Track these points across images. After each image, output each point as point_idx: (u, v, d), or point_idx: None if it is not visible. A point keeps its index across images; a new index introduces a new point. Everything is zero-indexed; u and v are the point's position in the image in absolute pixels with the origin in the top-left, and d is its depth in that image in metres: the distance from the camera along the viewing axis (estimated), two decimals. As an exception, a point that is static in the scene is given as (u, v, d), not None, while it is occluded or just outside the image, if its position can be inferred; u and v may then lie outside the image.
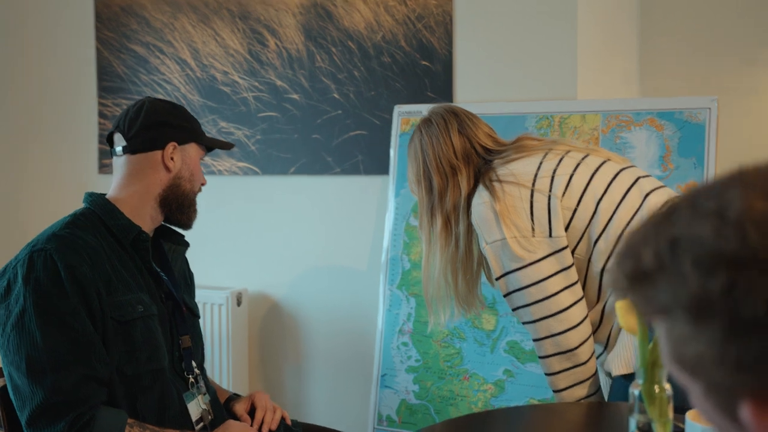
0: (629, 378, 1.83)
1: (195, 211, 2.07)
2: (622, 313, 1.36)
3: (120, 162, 1.97)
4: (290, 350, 3.36)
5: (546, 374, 1.94)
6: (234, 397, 2.20)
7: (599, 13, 3.10)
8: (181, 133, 1.99)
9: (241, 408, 2.14)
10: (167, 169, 1.96)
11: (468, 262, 2.03)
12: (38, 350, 1.70)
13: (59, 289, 1.73)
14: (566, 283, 1.86)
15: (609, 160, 2.01)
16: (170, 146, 1.95)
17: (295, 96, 3.29)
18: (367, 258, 3.21)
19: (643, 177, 1.99)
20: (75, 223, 1.87)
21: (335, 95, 3.22)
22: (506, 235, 1.86)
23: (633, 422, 1.32)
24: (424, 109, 2.94)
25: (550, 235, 1.87)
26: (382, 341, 3.01)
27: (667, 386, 1.30)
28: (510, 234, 1.86)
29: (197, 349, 2.08)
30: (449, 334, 2.92)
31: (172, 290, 2.01)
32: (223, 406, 2.12)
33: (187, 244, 2.13)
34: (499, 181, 1.93)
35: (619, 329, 1.92)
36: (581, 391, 1.90)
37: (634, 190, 1.93)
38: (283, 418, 2.14)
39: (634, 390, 1.32)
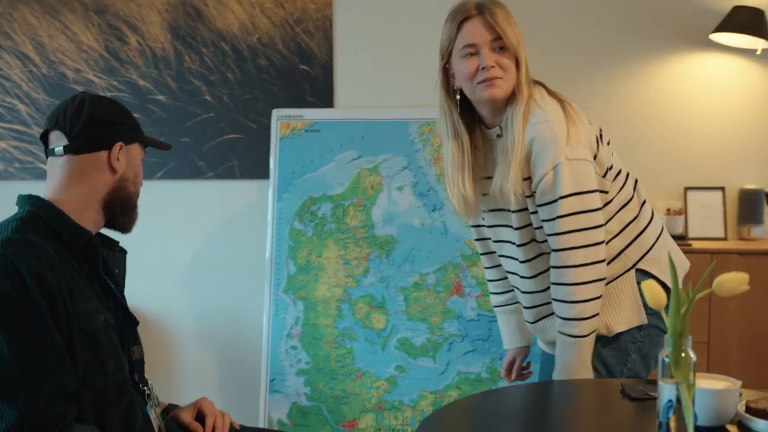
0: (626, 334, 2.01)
1: (137, 214, 1.97)
2: (650, 289, 1.49)
3: (59, 162, 1.82)
4: (172, 362, 3.22)
5: (575, 283, 1.94)
6: (172, 407, 2.11)
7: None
8: (128, 132, 1.88)
9: (187, 416, 2.06)
10: (113, 170, 1.84)
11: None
12: (6, 365, 1.56)
13: (25, 298, 1.59)
14: (605, 219, 1.97)
15: None
16: (117, 146, 1.84)
17: (160, 97, 3.17)
18: (247, 263, 3.16)
19: None
20: (25, 227, 1.72)
21: (207, 97, 3.15)
22: (586, 157, 1.92)
23: (669, 388, 1.45)
24: (304, 113, 2.99)
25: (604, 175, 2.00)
26: (269, 346, 2.98)
27: (692, 353, 1.46)
28: (588, 157, 1.92)
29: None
30: (339, 335, 2.96)
31: (120, 299, 1.90)
32: (164, 417, 2.03)
33: (124, 251, 2.02)
34: (569, 104, 1.97)
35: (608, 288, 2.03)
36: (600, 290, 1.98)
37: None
38: (231, 423, 2.09)
39: (663, 357, 1.46)
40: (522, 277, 2.08)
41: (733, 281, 1.47)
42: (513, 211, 1.99)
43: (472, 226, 2.27)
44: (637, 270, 2.02)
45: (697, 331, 3.54)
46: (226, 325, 3.19)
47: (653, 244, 2.05)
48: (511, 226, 2.03)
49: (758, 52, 3.60)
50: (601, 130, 2.04)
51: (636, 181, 2.11)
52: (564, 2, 3.76)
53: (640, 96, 3.77)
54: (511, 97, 1.96)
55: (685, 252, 3.50)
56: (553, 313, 2.03)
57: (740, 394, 1.65)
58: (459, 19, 1.99)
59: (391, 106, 3.04)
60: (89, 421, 1.67)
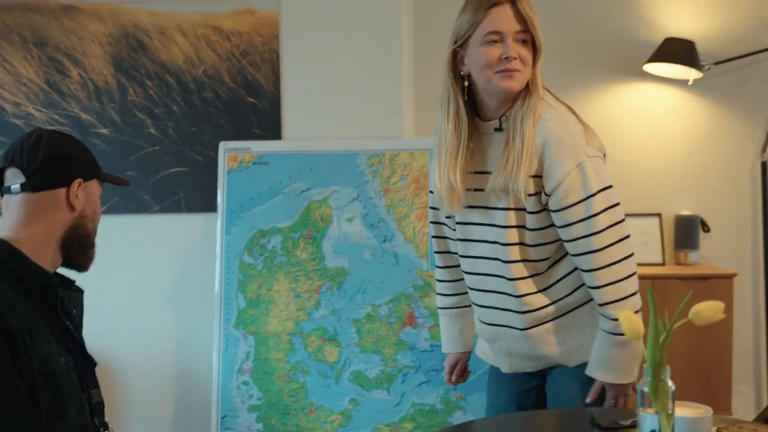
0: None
1: (94, 252, 1.92)
2: (628, 320, 1.51)
3: (16, 200, 1.77)
4: (119, 400, 3.13)
5: (620, 279, 1.92)
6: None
7: (412, 55, 3.33)
8: (86, 168, 1.84)
9: None
10: (71, 207, 1.80)
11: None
12: None
13: None
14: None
15: None
16: (76, 183, 1.80)
17: (104, 130, 3.11)
18: (196, 298, 3.10)
19: None
20: None
21: (152, 130, 3.10)
22: (600, 154, 1.94)
23: (649, 418, 1.47)
24: (252, 145, 2.97)
25: None
26: (220, 382, 2.93)
27: (671, 382, 1.48)
28: (599, 154, 1.95)
29: None
30: (292, 369, 2.93)
31: (78, 340, 1.85)
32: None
33: (81, 291, 1.96)
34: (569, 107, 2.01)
35: (581, 305, 2.03)
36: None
37: None
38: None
39: (643, 387, 1.49)
40: (500, 277, 2.02)
41: (710, 310, 1.50)
42: (509, 209, 1.95)
43: (432, 222, 2.24)
44: None
45: (638, 356, 3.60)
46: (175, 361, 3.12)
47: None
48: (497, 225, 1.98)
49: (690, 82, 3.72)
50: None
51: None
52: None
53: (579, 126, 3.84)
54: (523, 92, 1.94)
55: (627, 278, 3.58)
56: (512, 327, 2.03)
57: (708, 420, 1.68)
58: (487, 4, 1.91)
59: (340, 138, 3.04)
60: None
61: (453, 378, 2.31)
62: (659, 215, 3.89)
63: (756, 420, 2.07)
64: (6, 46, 3.13)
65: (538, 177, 1.91)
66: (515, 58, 1.90)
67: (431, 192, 2.15)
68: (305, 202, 2.99)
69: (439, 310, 2.31)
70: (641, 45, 3.75)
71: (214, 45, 3.07)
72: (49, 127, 2.95)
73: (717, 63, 3.67)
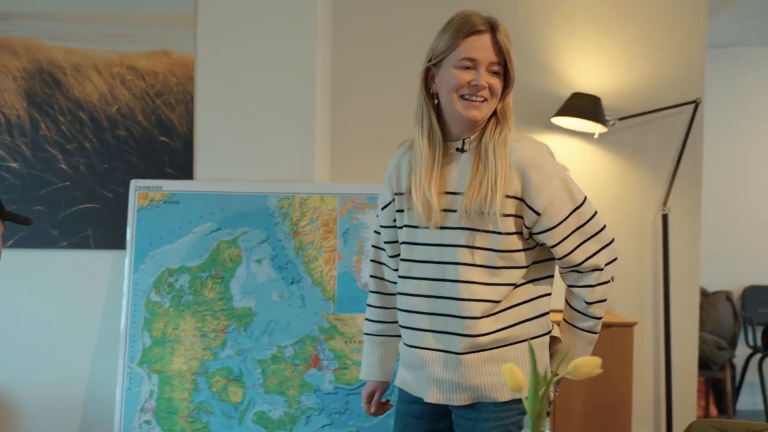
0: (506, 406, 2.03)
1: None
2: (510, 372, 1.57)
3: None
4: (12, 439, 3.08)
5: (607, 282, 2.06)
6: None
7: (324, 101, 3.39)
8: None
9: None
10: None
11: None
12: None
13: None
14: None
15: None
16: None
17: (13, 164, 3.09)
18: (101, 335, 3.09)
19: None
20: None
21: (63, 166, 3.09)
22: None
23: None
24: (163, 184, 2.99)
25: None
26: (122, 421, 2.91)
27: (548, 435, 1.55)
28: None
29: None
30: (195, 409, 2.93)
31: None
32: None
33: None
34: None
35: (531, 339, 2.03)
36: None
37: None
38: None
39: (522, 439, 1.56)
40: (446, 298, 2.03)
41: (587, 365, 1.56)
42: (473, 230, 1.99)
43: (373, 246, 2.27)
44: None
45: (543, 400, 3.69)
46: (78, 398, 3.09)
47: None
48: (453, 245, 2.00)
49: (596, 136, 3.87)
50: None
51: None
52: (405, 90, 3.93)
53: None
54: (493, 121, 2.01)
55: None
56: (447, 351, 2.04)
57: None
58: (467, 31, 1.97)
59: (251, 180, 3.08)
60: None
61: (372, 408, 2.29)
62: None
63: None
64: None
65: (513, 198, 1.97)
66: (484, 88, 1.96)
67: (378, 214, 2.23)
68: (214, 242, 3.02)
69: (363, 336, 2.30)
70: (550, 98, 3.89)
71: (129, 84, 3.09)
72: (-43, 160, 2.94)
73: (621, 118, 3.83)
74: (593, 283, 2.03)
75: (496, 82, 1.98)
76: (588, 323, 2.09)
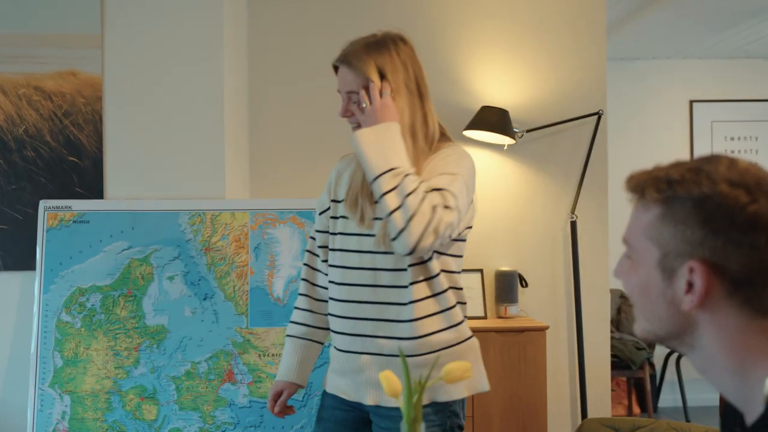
0: (436, 406, 2.09)
1: None
2: (387, 379, 1.64)
3: None
4: None
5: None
6: None
7: (236, 119, 3.43)
8: None
9: None
10: None
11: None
12: None
13: None
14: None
15: None
16: None
17: None
18: (10, 358, 3.07)
19: None
20: None
21: (-31, 187, 3.07)
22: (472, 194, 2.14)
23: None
24: (73, 204, 3.00)
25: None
26: (34, 443, 2.90)
27: (423, 434, 1.61)
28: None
29: None
30: (109, 428, 2.93)
31: None
32: None
33: None
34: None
35: (456, 345, 2.11)
36: None
37: None
38: None
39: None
40: (383, 304, 2.10)
41: (458, 370, 1.64)
42: None
43: (307, 251, 2.33)
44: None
45: (462, 406, 3.77)
46: (-14, 424, 3.07)
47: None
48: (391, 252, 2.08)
49: (505, 147, 3.98)
50: None
51: None
52: (319, 101, 4.00)
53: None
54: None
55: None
56: (384, 354, 2.09)
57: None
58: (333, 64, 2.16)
59: (162, 198, 3.10)
60: None
61: (276, 409, 2.29)
62: (481, 271, 4.10)
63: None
64: None
65: None
66: (347, 116, 2.13)
67: (315, 219, 2.30)
68: (126, 260, 3.03)
69: (285, 338, 2.33)
70: (461, 111, 3.98)
71: (36, 104, 3.09)
72: None
73: (529, 130, 3.94)
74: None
75: (357, 108, 2.10)
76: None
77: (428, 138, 2.12)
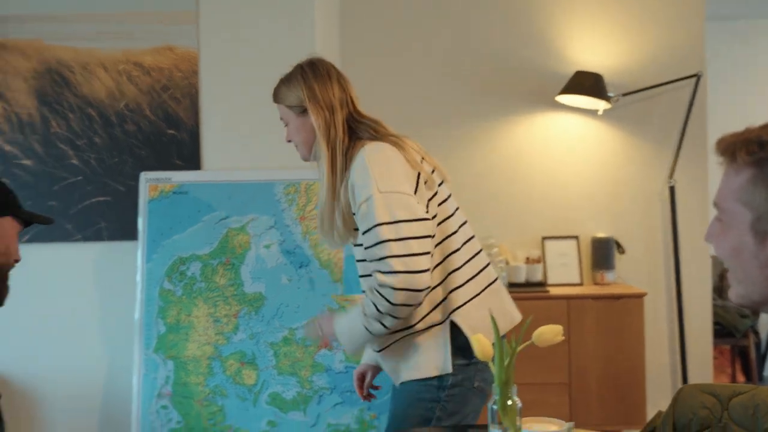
0: (419, 386, 2.11)
1: (7, 287, 1.99)
2: (479, 343, 1.64)
3: None
4: (41, 426, 3.19)
5: (394, 304, 1.99)
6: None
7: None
8: None
9: None
10: None
11: (337, 201, 2.14)
12: None
13: None
14: (426, 249, 2.02)
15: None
16: None
17: (26, 161, 3.20)
18: (116, 325, 3.19)
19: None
20: None
21: (74, 161, 3.19)
22: (402, 191, 2.02)
23: (495, 432, 1.61)
24: (172, 176, 3.07)
25: (427, 205, 2.08)
26: (140, 406, 3.01)
27: (518, 399, 1.61)
28: (405, 191, 2.03)
29: None
30: (211, 393, 3.02)
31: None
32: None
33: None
34: (398, 142, 2.12)
35: (417, 334, 2.12)
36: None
37: (464, 226, 2.21)
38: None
39: (492, 405, 1.61)
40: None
41: (549, 333, 1.63)
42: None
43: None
44: (450, 322, 2.10)
45: (558, 373, 3.76)
46: (95, 387, 3.20)
47: (468, 300, 2.12)
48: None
49: (600, 112, 3.90)
50: (431, 174, 2.14)
51: (471, 238, 2.21)
52: (413, 70, 3.99)
53: (499, 153, 4.01)
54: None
55: (543, 298, 3.75)
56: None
57: (572, 434, 1.80)
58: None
59: (257, 168, 3.15)
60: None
61: (364, 392, 2.39)
62: (576, 237, 4.06)
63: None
64: (-69, 80, 3.21)
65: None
66: (288, 141, 2.28)
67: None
68: (224, 229, 3.10)
69: None
70: (554, 77, 3.93)
71: (135, 80, 3.18)
72: (-28, 160, 3.04)
73: (624, 94, 3.86)
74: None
75: (288, 132, 2.27)
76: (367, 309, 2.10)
77: (341, 145, 2.16)
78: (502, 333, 2.15)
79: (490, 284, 2.20)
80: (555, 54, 3.96)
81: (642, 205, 4.03)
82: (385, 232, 1.98)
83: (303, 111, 2.19)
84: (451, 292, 2.11)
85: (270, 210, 3.11)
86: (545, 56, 3.96)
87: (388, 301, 1.98)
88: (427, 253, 2.01)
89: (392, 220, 1.98)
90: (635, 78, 3.93)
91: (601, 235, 4.02)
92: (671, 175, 3.92)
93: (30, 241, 3.19)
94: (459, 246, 2.14)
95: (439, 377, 2.11)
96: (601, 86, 3.76)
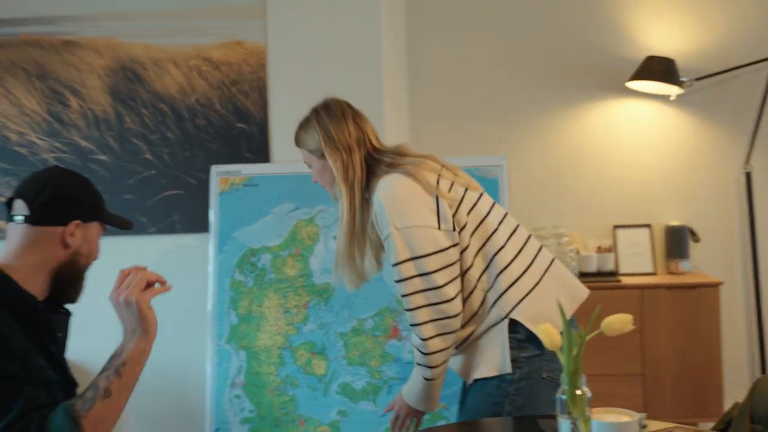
0: (488, 384, 2.12)
1: (83, 285, 2.04)
2: (546, 333, 1.62)
3: (17, 230, 1.89)
4: (114, 414, 3.29)
5: (423, 338, 2.08)
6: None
7: (395, 80, 3.46)
8: (87, 210, 1.95)
9: None
10: (66, 245, 1.90)
11: (362, 236, 2.20)
12: None
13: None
14: (452, 276, 2.06)
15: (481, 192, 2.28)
16: (73, 224, 1.90)
17: (102, 157, 3.28)
18: (189, 315, 3.25)
19: (508, 213, 2.28)
20: None
21: (147, 156, 3.26)
22: (417, 224, 2.04)
23: (565, 423, 1.59)
24: (242, 168, 3.12)
25: (453, 228, 2.08)
26: (213, 396, 3.07)
27: (587, 389, 1.59)
28: (421, 223, 2.05)
29: None
30: (282, 382, 3.06)
31: (61, 362, 1.97)
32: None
33: (69, 314, 2.09)
34: (411, 171, 2.11)
35: (479, 337, 2.16)
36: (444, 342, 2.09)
37: (506, 220, 2.21)
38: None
39: (560, 395, 1.59)
40: None
41: (619, 322, 1.60)
42: None
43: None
44: (511, 320, 2.10)
45: (631, 364, 3.70)
46: (170, 377, 3.27)
47: (525, 295, 2.11)
48: None
49: (672, 98, 3.82)
50: (450, 190, 2.14)
51: (516, 228, 2.20)
52: (480, 57, 3.96)
53: (568, 141, 3.96)
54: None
55: (615, 288, 3.69)
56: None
57: (644, 426, 1.77)
58: None
59: (325, 160, 3.17)
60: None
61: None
62: (649, 226, 3.98)
63: (714, 428, 2.16)
64: (10, 79, 3.31)
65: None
66: (315, 182, 2.31)
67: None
68: (293, 221, 3.13)
69: None
70: (624, 62, 3.85)
71: (206, 75, 3.23)
72: (51, 155, 3.13)
73: (698, 78, 3.76)
74: (422, 350, 2.10)
75: (313, 174, 2.31)
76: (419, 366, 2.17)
77: (359, 185, 2.19)
78: (570, 314, 2.15)
79: (547, 269, 2.18)
80: (625, 39, 3.89)
81: (717, 192, 3.93)
82: (406, 269, 2.04)
83: (323, 154, 2.23)
84: (504, 292, 2.11)
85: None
86: (615, 41, 3.89)
87: (420, 338, 2.07)
88: (452, 280, 2.05)
89: (412, 257, 2.04)
90: (709, 62, 3.83)
91: (674, 223, 3.93)
92: (747, 161, 3.81)
93: (106, 234, 3.26)
94: (503, 243, 2.14)
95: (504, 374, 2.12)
96: (673, 71, 3.68)
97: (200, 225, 3.24)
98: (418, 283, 2.04)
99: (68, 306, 2.06)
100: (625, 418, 1.74)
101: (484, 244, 2.12)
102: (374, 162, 2.19)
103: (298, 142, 2.33)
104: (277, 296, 3.11)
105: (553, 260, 2.21)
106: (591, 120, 3.95)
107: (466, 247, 2.10)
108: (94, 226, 1.97)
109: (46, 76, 3.30)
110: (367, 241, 2.20)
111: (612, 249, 3.96)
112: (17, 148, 3.31)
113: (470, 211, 2.14)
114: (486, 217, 2.15)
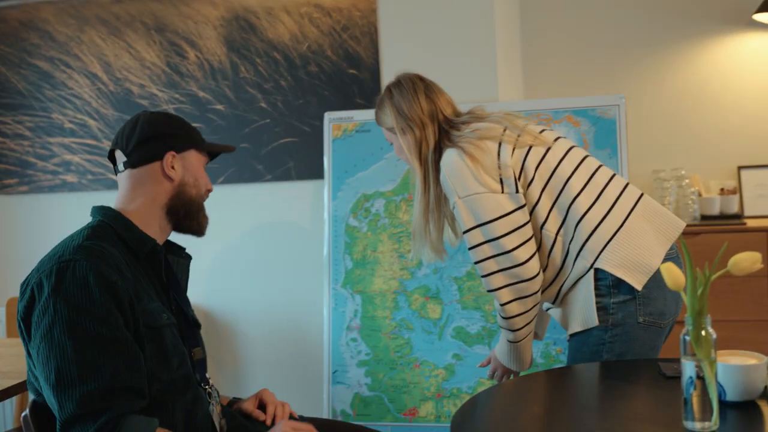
0: (584, 334, 2.11)
1: (205, 216, 2.08)
2: (669, 272, 1.58)
3: (123, 177, 1.98)
4: (238, 357, 3.41)
5: (501, 303, 2.13)
6: (236, 400, 2.25)
7: (507, 19, 3.39)
8: (177, 141, 1.99)
9: (250, 405, 2.19)
10: (169, 178, 1.97)
11: (437, 210, 2.25)
12: (68, 362, 1.68)
13: (91, 299, 1.71)
14: (522, 239, 2.08)
15: (560, 137, 2.24)
16: (169, 156, 1.96)
17: (219, 107, 3.35)
18: (305, 260, 3.32)
19: (588, 156, 2.23)
20: (95, 234, 1.87)
21: (262, 104, 3.31)
22: (479, 191, 2.08)
23: (689, 365, 1.54)
24: (354, 114, 3.13)
25: (516, 191, 2.09)
26: (331, 339, 3.13)
27: (712, 331, 1.53)
28: (482, 189, 2.07)
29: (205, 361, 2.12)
30: (397, 326, 3.10)
31: (180, 303, 2.04)
32: (228, 410, 2.17)
33: (189, 257, 2.15)
34: (470, 141, 2.13)
35: (568, 291, 2.16)
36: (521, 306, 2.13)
37: (582, 165, 2.17)
38: (291, 413, 2.22)
39: (685, 336, 1.54)
40: None
41: (747, 260, 1.53)
42: None
43: None
44: (596, 269, 2.07)
45: (757, 309, 3.58)
46: (288, 320, 3.36)
47: (608, 241, 2.08)
48: None
49: (803, 30, 3.61)
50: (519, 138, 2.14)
51: (597, 170, 2.16)
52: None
53: (689, 78, 3.81)
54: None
55: (740, 231, 3.56)
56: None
57: (769, 369, 1.71)
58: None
59: (437, 104, 3.15)
60: (156, 412, 1.81)
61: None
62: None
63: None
64: (131, 33, 3.40)
65: None
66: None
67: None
68: (405, 166, 3.13)
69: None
70: (751, -7, 3.66)
71: (317, 22, 3.24)
72: (171, 106, 3.22)
73: (832, 7, 3.54)
74: (501, 314, 2.18)
75: (395, 150, 2.33)
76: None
77: (432, 159, 2.22)
78: (664, 253, 2.10)
79: (633, 208, 2.12)
80: (752, -31, 3.68)
81: None
82: (474, 237, 2.10)
83: (400, 131, 2.25)
84: (586, 241, 2.08)
85: (451, 146, 3.10)
86: (741, -28, 3.69)
87: (499, 303, 2.13)
88: (523, 243, 2.08)
89: (477, 224, 2.08)
90: None
91: (804, 162, 3.75)
92: None
93: (225, 182, 3.36)
94: (579, 190, 2.11)
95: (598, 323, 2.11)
96: (804, 1, 3.47)
97: (315, 171, 3.28)
98: (487, 250, 2.09)
99: (189, 252, 2.13)
100: (752, 361, 1.68)
101: (558, 196, 2.11)
102: (446, 134, 2.21)
103: (378, 121, 2.37)
104: (391, 241, 3.14)
105: (640, 197, 2.16)
106: (714, 56, 3.78)
107: (537, 203, 2.10)
108: (191, 155, 2.02)
109: (163, 29, 3.38)
110: (443, 214, 2.25)
111: (736, 191, 3.81)
112: (139, 100, 3.41)
113: (537, 166, 2.12)
114: (557, 168, 2.13)
